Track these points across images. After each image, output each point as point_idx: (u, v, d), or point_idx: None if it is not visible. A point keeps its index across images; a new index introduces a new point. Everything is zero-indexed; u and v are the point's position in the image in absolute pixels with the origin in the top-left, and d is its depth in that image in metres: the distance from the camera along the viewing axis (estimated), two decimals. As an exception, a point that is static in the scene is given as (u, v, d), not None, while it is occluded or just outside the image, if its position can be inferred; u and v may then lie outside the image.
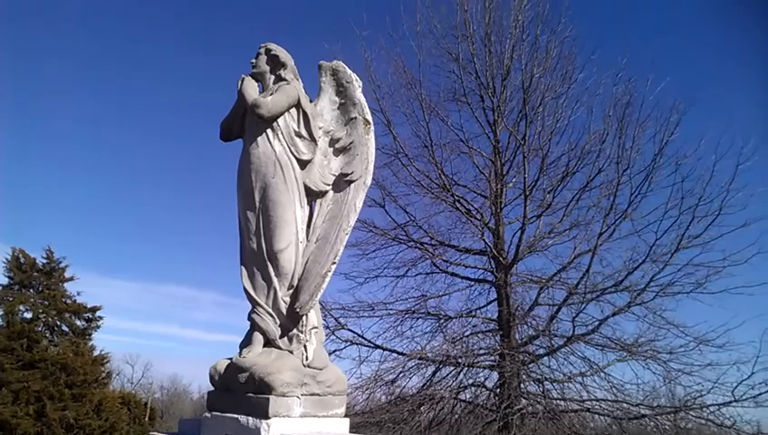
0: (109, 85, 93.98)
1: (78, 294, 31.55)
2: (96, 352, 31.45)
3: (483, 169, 14.70)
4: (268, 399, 3.89)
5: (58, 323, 30.39)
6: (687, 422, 12.97)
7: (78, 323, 31.25)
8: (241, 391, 4.11)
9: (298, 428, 3.95)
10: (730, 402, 11.91)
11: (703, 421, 12.54)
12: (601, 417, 13.36)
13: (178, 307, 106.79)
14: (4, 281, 29.91)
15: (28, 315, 29.06)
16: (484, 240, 13.98)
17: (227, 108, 4.84)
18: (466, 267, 14.87)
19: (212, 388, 4.42)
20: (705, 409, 12.26)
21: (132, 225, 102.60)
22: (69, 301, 30.90)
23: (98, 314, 31.92)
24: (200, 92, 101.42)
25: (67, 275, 31.52)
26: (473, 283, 14.85)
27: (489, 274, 14.45)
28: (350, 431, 4.48)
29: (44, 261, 30.94)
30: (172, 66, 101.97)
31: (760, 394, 11.61)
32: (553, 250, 14.29)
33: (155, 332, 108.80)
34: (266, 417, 3.83)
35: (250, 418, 3.88)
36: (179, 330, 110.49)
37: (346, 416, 4.47)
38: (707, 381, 12.31)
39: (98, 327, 32.28)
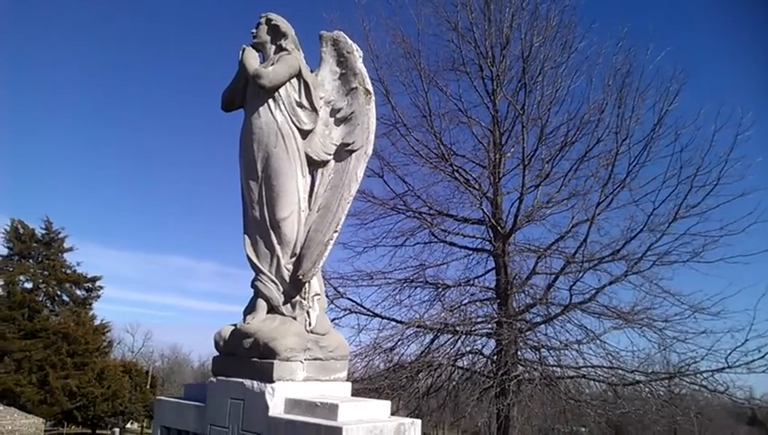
0: (108, 58, 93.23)
1: (78, 264, 31.85)
2: (97, 322, 31.84)
3: (481, 139, 14.69)
4: (272, 363, 3.97)
5: (58, 292, 30.66)
6: (681, 388, 13.23)
7: (78, 292, 31.55)
8: (246, 356, 4.17)
9: (302, 391, 4.04)
10: (723, 369, 12.07)
11: (696, 387, 12.79)
12: (597, 383, 13.59)
13: (178, 277, 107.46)
14: (4, 251, 30.14)
15: (28, 285, 29.32)
16: (482, 210, 14.02)
17: (227, 79, 4.81)
18: (465, 237, 14.94)
19: (216, 353, 4.48)
20: (698, 375, 12.45)
21: (132, 195, 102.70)
22: (69, 271, 31.13)
23: (98, 283, 32.23)
24: (201, 63, 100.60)
25: (66, 245, 31.79)
26: (471, 252, 14.93)
27: (487, 243, 14.52)
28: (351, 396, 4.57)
29: (43, 231, 31.08)
30: (172, 38, 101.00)
31: (753, 361, 11.76)
32: (551, 219, 14.37)
33: (155, 301, 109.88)
34: (271, 381, 3.92)
35: (255, 382, 3.96)
36: (179, 300, 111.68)
37: (347, 381, 4.57)
38: (702, 348, 12.47)
39: (98, 297, 32.65)
